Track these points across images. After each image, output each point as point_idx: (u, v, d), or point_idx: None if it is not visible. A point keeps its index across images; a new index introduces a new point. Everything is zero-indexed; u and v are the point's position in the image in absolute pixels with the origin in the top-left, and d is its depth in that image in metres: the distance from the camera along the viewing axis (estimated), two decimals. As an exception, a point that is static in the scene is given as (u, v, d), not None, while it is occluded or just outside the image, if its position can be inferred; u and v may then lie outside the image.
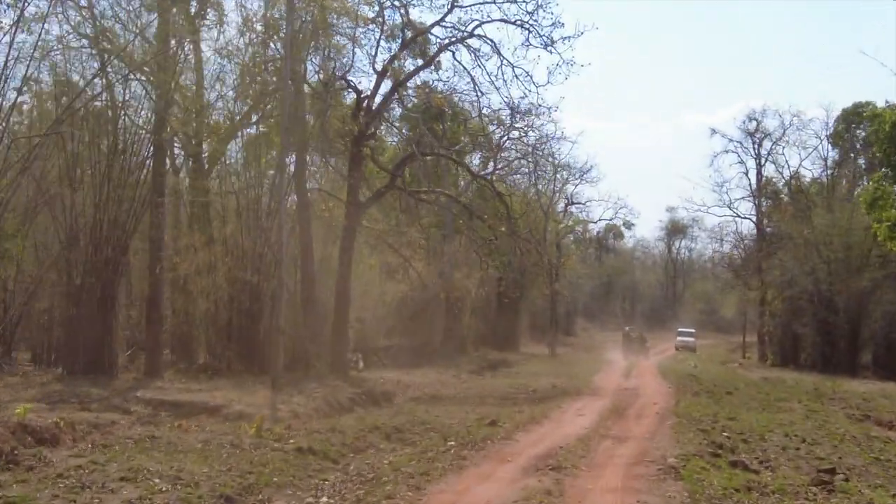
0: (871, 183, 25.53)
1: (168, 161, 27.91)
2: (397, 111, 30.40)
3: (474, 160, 37.36)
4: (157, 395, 16.16)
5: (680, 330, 56.66)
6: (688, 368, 34.66)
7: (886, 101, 27.64)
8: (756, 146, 46.56)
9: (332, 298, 26.07)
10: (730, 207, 47.78)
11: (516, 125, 28.11)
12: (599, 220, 60.71)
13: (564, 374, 30.27)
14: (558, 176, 51.42)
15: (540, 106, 25.41)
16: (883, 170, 25.80)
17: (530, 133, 28.61)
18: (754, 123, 46.79)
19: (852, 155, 43.91)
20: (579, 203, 56.56)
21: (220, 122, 26.09)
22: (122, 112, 20.35)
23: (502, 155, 36.13)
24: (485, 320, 46.51)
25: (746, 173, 46.89)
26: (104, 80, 19.96)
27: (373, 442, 12.48)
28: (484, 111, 26.60)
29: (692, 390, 22.68)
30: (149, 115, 20.75)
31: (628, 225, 72.72)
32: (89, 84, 19.74)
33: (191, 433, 11.81)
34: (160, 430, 11.91)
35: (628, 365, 36.15)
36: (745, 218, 47.58)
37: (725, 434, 13.72)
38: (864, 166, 44.21)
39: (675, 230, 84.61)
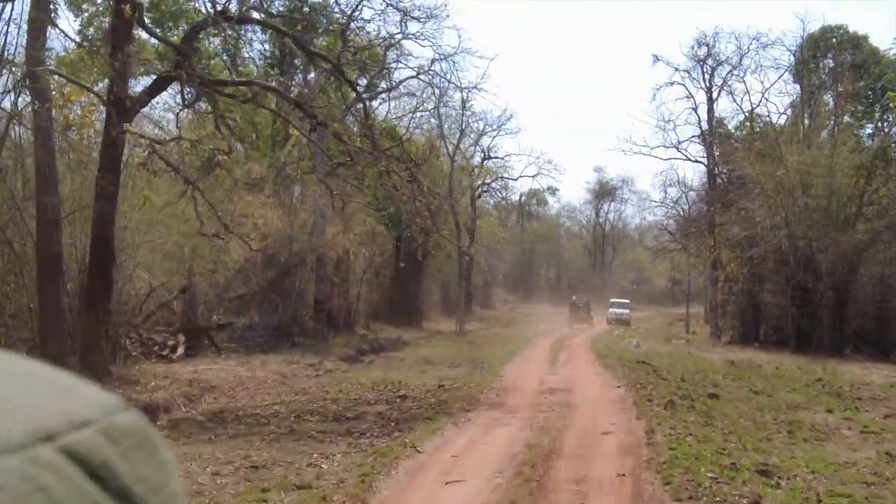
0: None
1: None
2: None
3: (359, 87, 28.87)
4: None
5: (613, 301, 48.87)
6: (630, 349, 26.62)
7: None
8: (707, 76, 38.50)
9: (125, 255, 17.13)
10: (677, 148, 39.70)
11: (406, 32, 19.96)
12: (521, 176, 52.68)
13: (466, 360, 21.66)
14: (471, 123, 43.22)
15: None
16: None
17: (423, 43, 20.29)
18: (704, 49, 38.68)
19: (820, 90, 36.20)
20: (497, 157, 48.99)
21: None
22: None
23: (392, 76, 28.27)
24: (381, 291, 38.04)
25: (696, 109, 38.80)
26: None
27: None
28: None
29: (656, 392, 14.21)
30: None
31: (552, 191, 66.09)
32: None
33: None
34: None
35: (555, 345, 27.81)
36: (696, 161, 39.56)
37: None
38: (831, 101, 36.75)
39: (604, 192, 77.01)
